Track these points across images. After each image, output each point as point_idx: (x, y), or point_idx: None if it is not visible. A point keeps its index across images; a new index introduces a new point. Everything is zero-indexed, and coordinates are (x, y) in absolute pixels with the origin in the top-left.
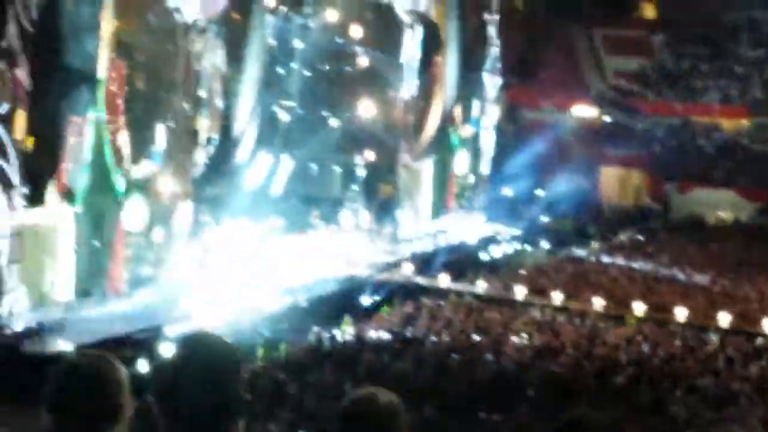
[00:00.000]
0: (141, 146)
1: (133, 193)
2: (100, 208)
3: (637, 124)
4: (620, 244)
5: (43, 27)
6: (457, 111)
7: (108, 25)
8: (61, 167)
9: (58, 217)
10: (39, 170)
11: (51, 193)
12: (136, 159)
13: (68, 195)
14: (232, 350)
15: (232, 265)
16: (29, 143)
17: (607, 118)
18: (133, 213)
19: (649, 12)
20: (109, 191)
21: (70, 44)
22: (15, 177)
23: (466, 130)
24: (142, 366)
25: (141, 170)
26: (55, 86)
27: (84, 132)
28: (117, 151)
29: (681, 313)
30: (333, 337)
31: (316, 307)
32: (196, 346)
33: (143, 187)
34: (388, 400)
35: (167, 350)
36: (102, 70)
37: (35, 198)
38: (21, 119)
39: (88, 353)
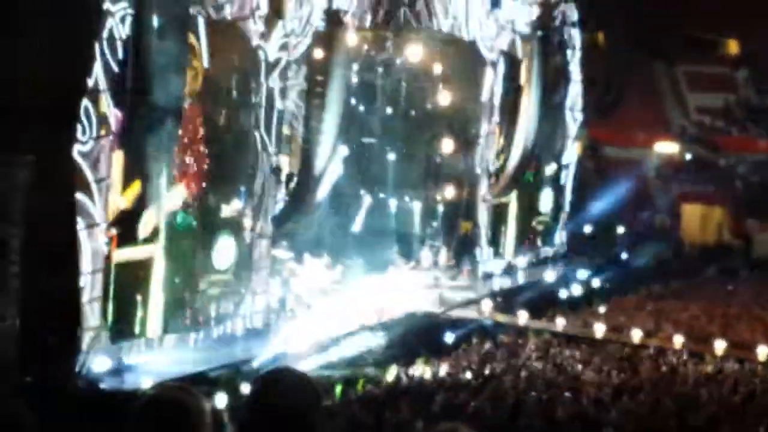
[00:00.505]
0: (225, 184)
1: (220, 231)
2: (185, 245)
3: (720, 160)
4: (701, 282)
5: (129, 65)
6: (539, 148)
7: (193, 63)
8: (148, 204)
9: (146, 254)
10: (128, 208)
11: (139, 230)
12: (221, 197)
13: (156, 232)
14: (312, 386)
15: (311, 302)
16: (117, 181)
17: (689, 155)
18: (220, 250)
19: (732, 48)
20: (194, 229)
21: (156, 82)
22: (99, 214)
23: (548, 168)
24: (220, 402)
25: (227, 209)
26: (140, 124)
27: (168, 170)
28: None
29: (762, 352)
30: (411, 375)
31: (394, 344)
32: (278, 382)
33: (229, 224)
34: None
35: (245, 387)
36: (187, 108)
37: (124, 235)
38: (106, 157)
39: (171, 386)
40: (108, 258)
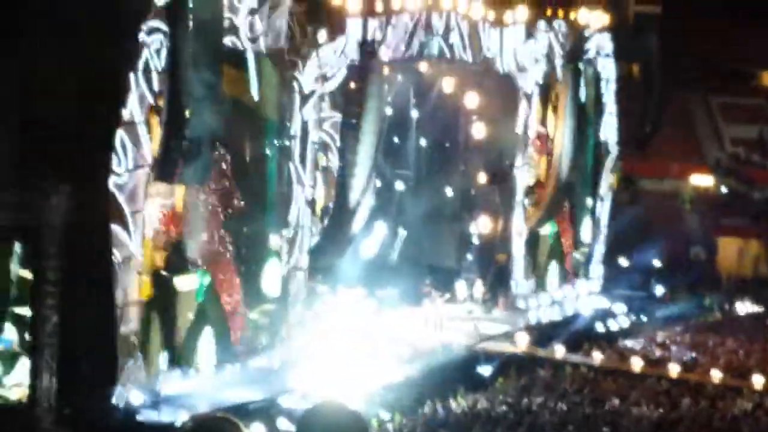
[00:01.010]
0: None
1: (269, 259)
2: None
3: (755, 193)
4: (739, 316)
5: (164, 95)
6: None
7: (226, 93)
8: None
9: (190, 285)
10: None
11: (185, 260)
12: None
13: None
14: (358, 419)
15: (347, 334)
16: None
17: (725, 188)
18: (269, 278)
19: (766, 80)
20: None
21: (191, 113)
22: (135, 246)
23: (585, 200)
24: None
25: (274, 239)
26: (175, 154)
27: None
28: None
29: None
30: (447, 408)
31: (431, 378)
32: (324, 415)
33: (278, 253)
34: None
35: (281, 420)
36: (220, 137)
37: (174, 266)
38: (142, 189)
39: (212, 416)
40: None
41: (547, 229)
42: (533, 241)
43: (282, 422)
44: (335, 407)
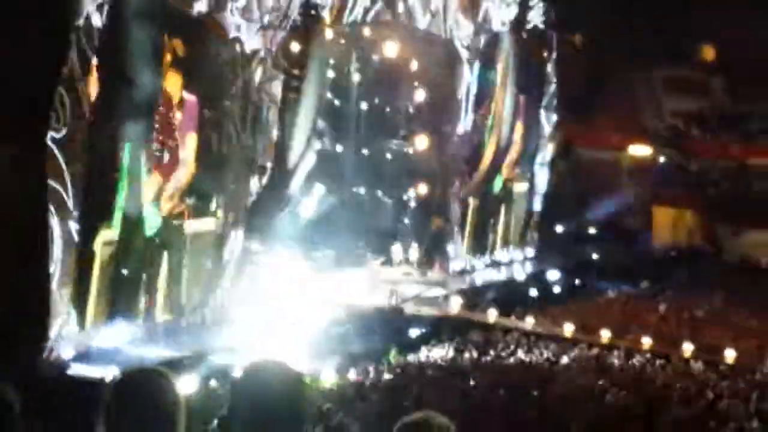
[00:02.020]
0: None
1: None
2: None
3: (692, 165)
4: (670, 284)
5: (104, 53)
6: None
7: (168, 53)
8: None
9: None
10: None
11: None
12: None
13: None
14: (297, 376)
15: (281, 294)
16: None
17: (662, 158)
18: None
19: (709, 54)
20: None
21: (131, 71)
22: (71, 203)
23: (522, 168)
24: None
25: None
26: (115, 113)
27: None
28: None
29: (730, 355)
30: (379, 371)
31: (363, 340)
32: (263, 372)
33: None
34: (442, 423)
35: (212, 376)
36: (162, 97)
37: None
38: (80, 145)
39: (142, 369)
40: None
41: (485, 195)
42: (470, 206)
43: (213, 378)
44: (273, 366)
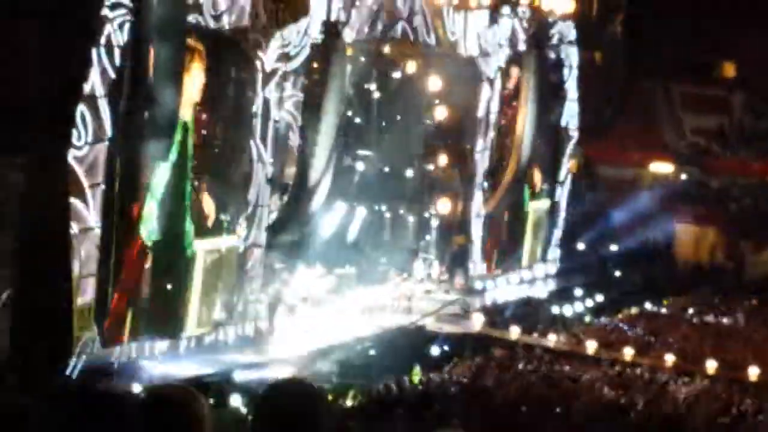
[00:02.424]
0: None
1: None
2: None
3: (713, 182)
4: (693, 302)
5: (126, 71)
6: (534, 166)
7: (190, 71)
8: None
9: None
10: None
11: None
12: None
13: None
14: (319, 395)
15: (304, 312)
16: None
17: (684, 176)
18: None
19: (729, 71)
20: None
21: (153, 89)
22: (93, 220)
23: (543, 185)
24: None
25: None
26: (136, 131)
27: (163, 177)
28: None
29: (753, 372)
30: (401, 387)
31: (386, 356)
32: (285, 391)
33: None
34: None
35: (235, 395)
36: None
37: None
38: (102, 162)
39: (171, 386)
40: None
41: (507, 212)
42: (492, 224)
43: (236, 397)
44: (295, 384)
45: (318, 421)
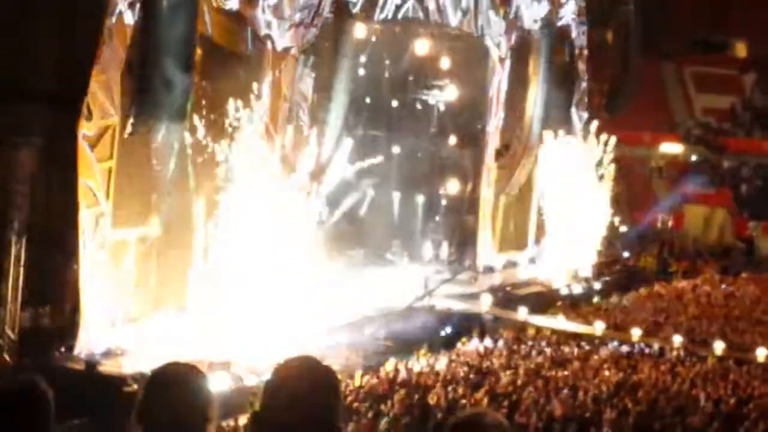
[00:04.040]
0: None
1: None
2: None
3: (724, 162)
4: (702, 282)
5: (136, 48)
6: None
7: (199, 50)
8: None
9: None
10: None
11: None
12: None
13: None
14: (331, 372)
15: (312, 292)
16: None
17: (694, 156)
18: None
19: (741, 51)
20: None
21: (162, 68)
22: (102, 198)
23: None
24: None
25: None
26: (146, 108)
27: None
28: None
29: (761, 353)
30: (409, 368)
31: (394, 337)
32: (296, 368)
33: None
34: (494, 421)
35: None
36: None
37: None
38: (111, 141)
39: (179, 363)
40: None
41: (516, 193)
42: (501, 204)
43: (243, 376)
44: (305, 361)
45: (330, 399)
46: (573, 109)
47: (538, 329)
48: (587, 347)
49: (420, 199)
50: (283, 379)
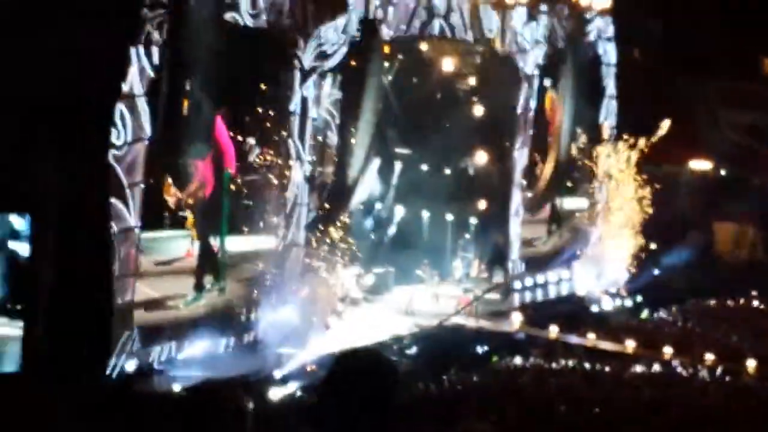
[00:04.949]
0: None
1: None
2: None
3: (753, 178)
4: (734, 300)
5: (164, 70)
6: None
7: (227, 70)
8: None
9: None
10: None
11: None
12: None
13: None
14: (388, 362)
15: (342, 311)
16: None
17: (723, 173)
18: None
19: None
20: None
21: (190, 87)
22: (133, 220)
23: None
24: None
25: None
26: (173, 129)
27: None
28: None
29: None
30: (440, 386)
31: (424, 355)
32: (356, 360)
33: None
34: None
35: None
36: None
37: None
38: (141, 162)
39: (216, 382)
40: None
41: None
42: (531, 222)
43: (277, 394)
44: (368, 352)
45: (389, 390)
46: (602, 126)
47: (569, 347)
48: (619, 365)
49: (449, 217)
50: (344, 368)
